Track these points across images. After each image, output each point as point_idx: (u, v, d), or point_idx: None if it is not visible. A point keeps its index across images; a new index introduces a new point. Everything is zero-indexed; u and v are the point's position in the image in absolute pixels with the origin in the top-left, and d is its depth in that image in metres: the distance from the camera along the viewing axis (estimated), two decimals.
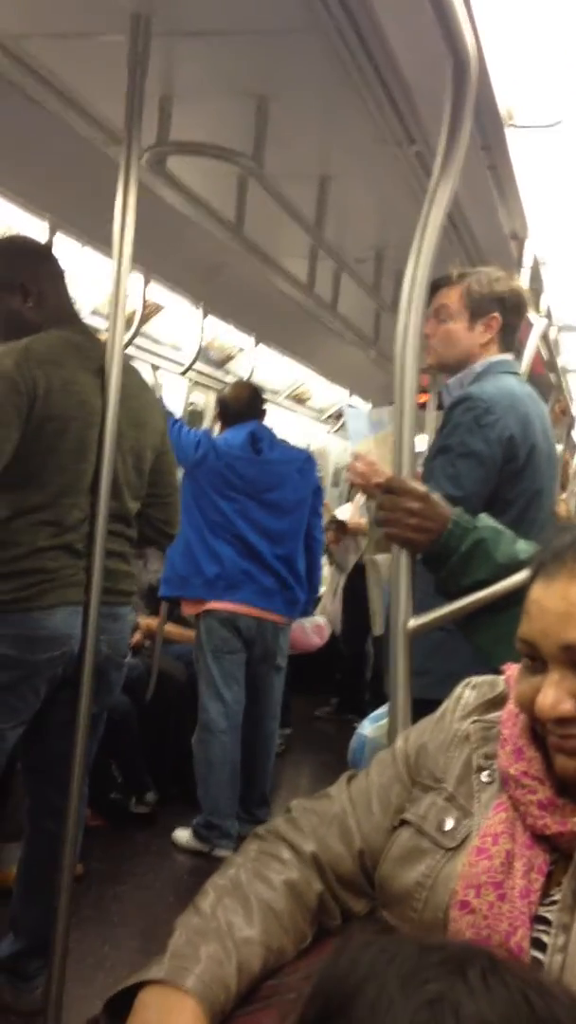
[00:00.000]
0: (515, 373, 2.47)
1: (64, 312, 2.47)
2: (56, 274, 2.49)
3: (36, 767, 2.48)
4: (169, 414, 3.97)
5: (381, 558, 2.37)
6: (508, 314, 2.44)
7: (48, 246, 2.63)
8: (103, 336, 2.46)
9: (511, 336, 2.49)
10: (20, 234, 3.02)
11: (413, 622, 1.66)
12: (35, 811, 2.52)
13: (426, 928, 1.04)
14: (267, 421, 4.22)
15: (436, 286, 2.43)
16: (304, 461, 4.18)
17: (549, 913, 0.99)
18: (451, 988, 0.66)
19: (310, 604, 4.47)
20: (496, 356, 2.45)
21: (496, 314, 2.42)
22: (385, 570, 2.35)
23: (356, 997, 0.67)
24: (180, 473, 3.69)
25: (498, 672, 1.20)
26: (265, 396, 4.56)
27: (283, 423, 6.51)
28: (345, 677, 6.32)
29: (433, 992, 0.66)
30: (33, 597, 2.27)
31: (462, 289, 2.44)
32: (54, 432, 2.28)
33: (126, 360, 2.48)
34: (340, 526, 6.04)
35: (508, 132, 2.77)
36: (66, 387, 2.29)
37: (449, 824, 1.08)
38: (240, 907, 1.06)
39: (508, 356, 2.47)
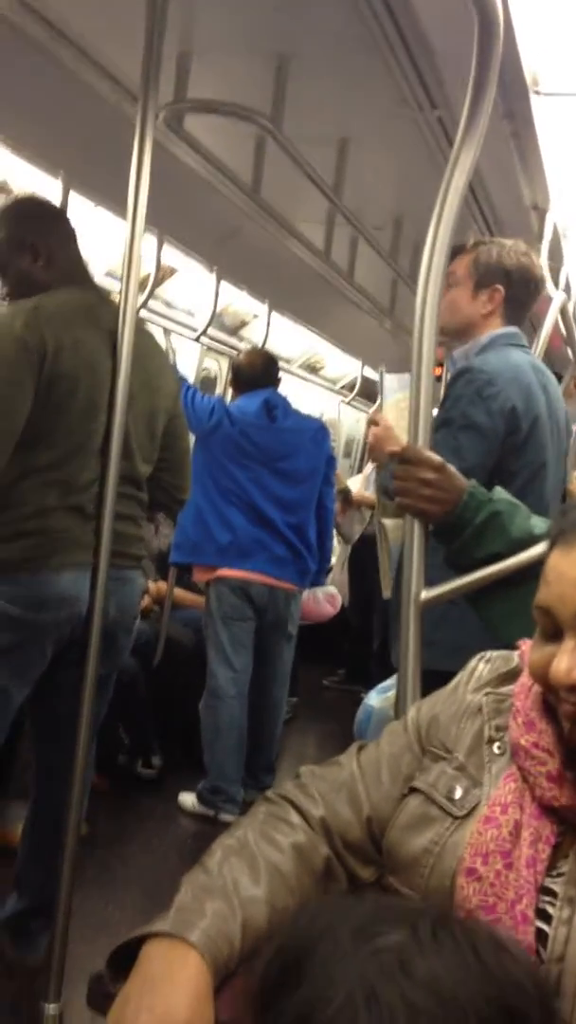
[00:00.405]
0: (521, 346, 2.44)
1: (75, 272, 2.45)
2: (67, 234, 2.47)
3: (42, 728, 2.49)
4: (182, 380, 3.95)
5: (389, 523, 2.36)
6: (514, 287, 2.41)
7: (59, 206, 2.61)
8: (115, 298, 2.44)
9: (519, 311, 2.46)
10: (31, 194, 2.99)
11: (425, 594, 1.65)
12: (41, 772, 2.53)
13: (432, 895, 1.04)
14: (280, 390, 4.19)
15: (453, 254, 2.40)
16: (318, 430, 4.17)
17: (555, 885, 1.00)
18: (401, 941, 0.68)
19: (321, 573, 4.47)
20: (501, 329, 2.42)
21: (499, 286, 2.40)
22: (393, 534, 2.34)
23: (311, 952, 0.69)
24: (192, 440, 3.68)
25: (511, 647, 1.20)
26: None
27: (296, 392, 6.48)
28: (352, 648, 6.33)
29: (383, 944, 0.68)
30: (40, 558, 2.27)
31: (471, 257, 2.41)
32: (63, 392, 2.26)
33: (140, 323, 2.46)
34: (346, 497, 6.02)
35: (533, 99, 2.72)
36: (75, 346, 2.28)
37: (458, 793, 1.09)
38: (247, 867, 1.07)
39: (513, 329, 2.44)
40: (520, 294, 2.43)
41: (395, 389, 2.41)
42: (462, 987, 0.67)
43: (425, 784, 1.12)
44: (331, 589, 4.97)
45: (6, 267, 2.44)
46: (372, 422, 2.39)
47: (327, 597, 4.85)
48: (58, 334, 2.26)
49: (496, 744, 1.10)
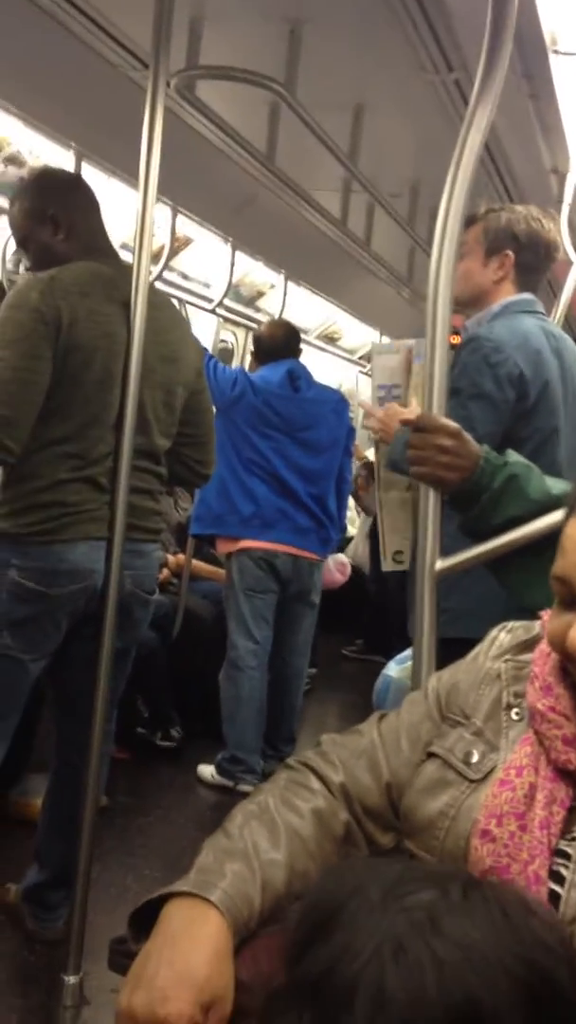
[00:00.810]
0: (535, 312, 2.41)
1: (96, 244, 2.42)
2: (88, 205, 2.45)
3: (61, 701, 2.50)
4: (203, 351, 3.93)
5: (394, 496, 2.35)
6: (524, 252, 2.37)
7: (80, 178, 2.59)
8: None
9: (532, 276, 2.42)
10: (50, 166, 2.97)
11: (440, 563, 1.63)
12: (61, 744, 2.55)
13: (448, 857, 1.05)
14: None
15: (465, 223, 2.37)
16: (338, 401, 4.17)
17: (569, 847, 1.00)
18: (432, 900, 0.69)
19: (338, 543, 4.47)
20: (513, 296, 2.39)
21: (508, 251, 2.36)
22: (402, 510, 2.34)
23: (341, 910, 0.70)
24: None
25: (532, 615, 1.19)
26: None
27: (313, 363, 6.44)
28: (371, 618, 6.33)
29: (413, 902, 0.68)
30: (54, 530, 2.26)
31: (482, 226, 2.38)
32: (79, 363, 2.25)
33: (161, 295, 2.44)
34: (370, 471, 5.98)
35: (552, 59, 2.67)
36: (91, 317, 2.26)
37: (475, 757, 1.10)
38: (267, 831, 1.08)
39: (527, 295, 2.40)
40: (531, 259, 2.39)
41: (390, 363, 2.39)
42: (490, 944, 0.67)
43: (442, 749, 1.13)
44: (341, 557, 4.97)
45: (27, 240, 2.41)
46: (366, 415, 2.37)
47: (337, 565, 4.85)
48: (73, 305, 2.24)
49: (514, 710, 1.11)
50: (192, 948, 0.94)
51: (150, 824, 3.49)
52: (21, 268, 3.27)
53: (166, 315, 2.47)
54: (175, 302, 4.95)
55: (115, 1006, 0.92)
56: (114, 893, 2.88)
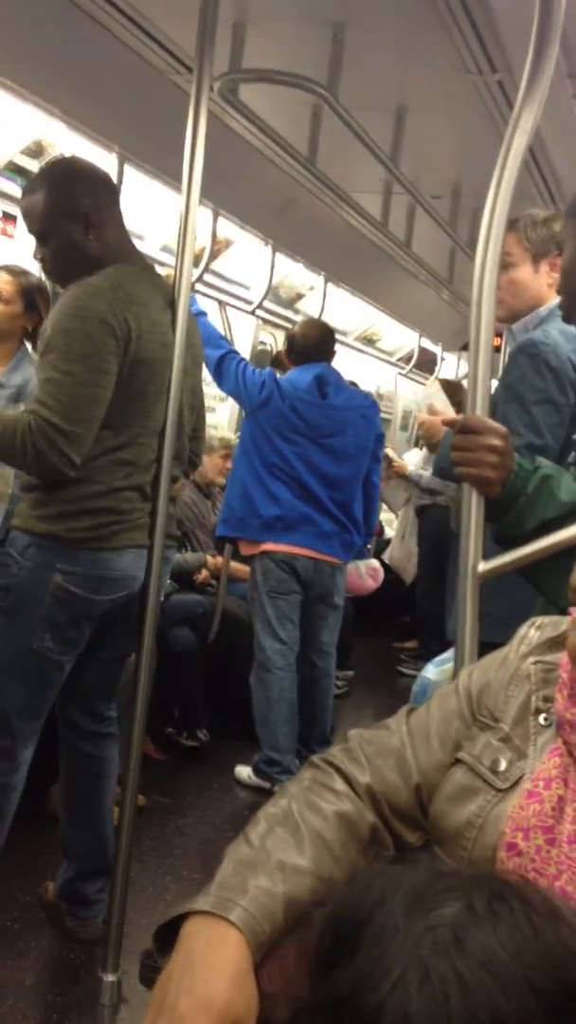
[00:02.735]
0: None
1: (124, 245, 2.36)
2: (115, 202, 2.37)
3: (68, 693, 2.48)
4: (234, 352, 3.93)
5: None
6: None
7: (105, 171, 2.49)
8: (170, 272, 2.42)
9: None
10: (77, 156, 2.91)
11: (483, 566, 1.62)
12: (68, 734, 2.54)
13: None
14: (335, 362, 4.15)
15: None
16: (369, 407, 4.12)
17: None
18: (456, 914, 0.67)
19: (365, 547, 4.45)
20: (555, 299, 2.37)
21: (556, 252, 2.35)
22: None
23: (366, 923, 0.69)
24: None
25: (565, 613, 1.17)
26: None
27: (352, 365, 6.43)
28: (421, 623, 6.23)
29: (437, 919, 0.67)
30: (106, 537, 2.26)
31: (519, 235, 2.37)
32: (142, 376, 2.23)
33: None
34: (388, 464, 5.87)
35: None
36: (154, 329, 2.24)
37: (503, 765, 1.07)
38: (291, 837, 1.06)
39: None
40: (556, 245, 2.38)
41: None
42: (518, 962, 0.66)
43: (470, 756, 1.11)
44: (374, 563, 4.93)
45: (49, 233, 2.26)
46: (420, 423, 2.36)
47: (369, 571, 4.81)
48: (139, 317, 2.21)
49: (543, 715, 1.08)
50: (211, 973, 0.92)
51: (188, 824, 3.50)
52: None
53: (190, 316, 2.44)
54: (214, 304, 4.98)
55: None
56: (152, 893, 2.90)
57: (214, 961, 0.93)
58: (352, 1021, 0.65)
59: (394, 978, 0.65)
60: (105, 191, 2.34)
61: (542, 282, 2.36)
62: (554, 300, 2.36)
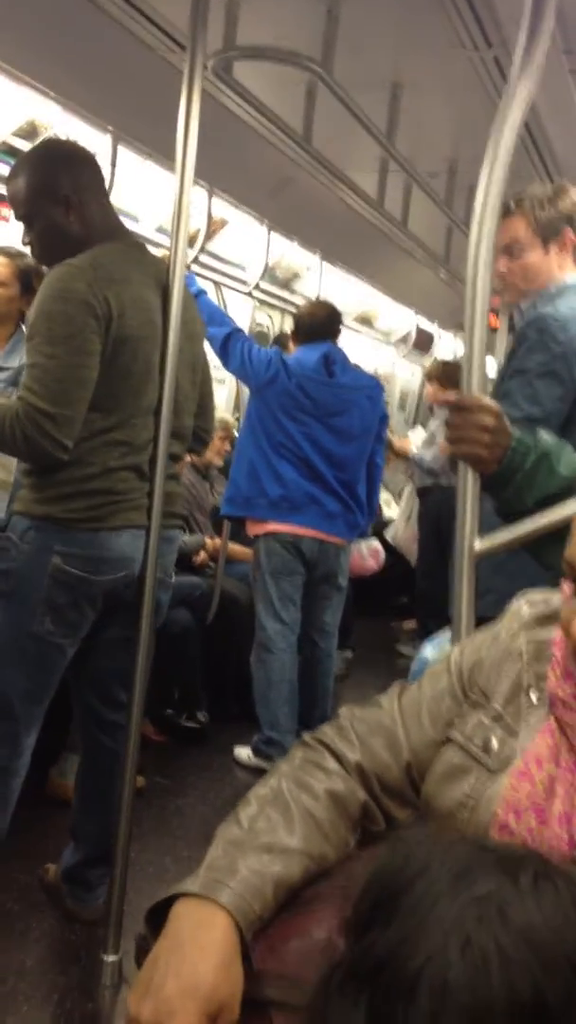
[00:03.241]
0: None
1: (110, 224, 2.34)
2: (98, 181, 2.35)
3: (84, 682, 2.50)
4: (239, 331, 3.91)
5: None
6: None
7: (88, 151, 2.47)
8: (165, 253, 2.41)
9: None
10: (57, 137, 2.86)
11: (479, 544, 1.62)
12: (86, 724, 2.55)
13: None
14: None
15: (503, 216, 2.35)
16: (374, 387, 4.11)
17: None
18: (500, 888, 0.67)
19: (367, 528, 4.44)
20: (571, 275, 2.35)
21: (566, 229, 2.33)
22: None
23: (407, 890, 0.68)
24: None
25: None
26: None
27: (349, 345, 6.42)
28: (420, 602, 6.24)
29: (482, 890, 0.67)
30: (102, 517, 2.26)
31: (527, 217, 2.34)
32: (128, 354, 2.22)
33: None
34: (389, 447, 5.85)
35: None
36: (136, 305, 2.23)
37: (494, 744, 1.08)
38: (281, 817, 1.07)
39: None
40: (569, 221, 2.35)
41: None
42: (560, 940, 0.66)
43: (461, 735, 1.11)
44: (375, 544, 4.92)
45: (33, 217, 2.27)
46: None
47: (371, 552, 4.81)
48: (120, 294, 2.20)
49: (535, 694, 1.08)
50: (198, 957, 0.93)
51: (188, 805, 3.51)
52: None
53: (186, 293, 2.42)
54: (210, 285, 4.96)
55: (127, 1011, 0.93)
56: (152, 873, 2.91)
57: (202, 945, 0.94)
58: (389, 986, 0.65)
59: (435, 945, 0.65)
60: (87, 171, 2.32)
61: (552, 264, 2.33)
62: (564, 279, 2.34)
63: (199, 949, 0.94)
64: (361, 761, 1.15)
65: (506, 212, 2.31)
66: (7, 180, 2.36)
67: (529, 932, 0.65)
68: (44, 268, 2.98)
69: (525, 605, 1.17)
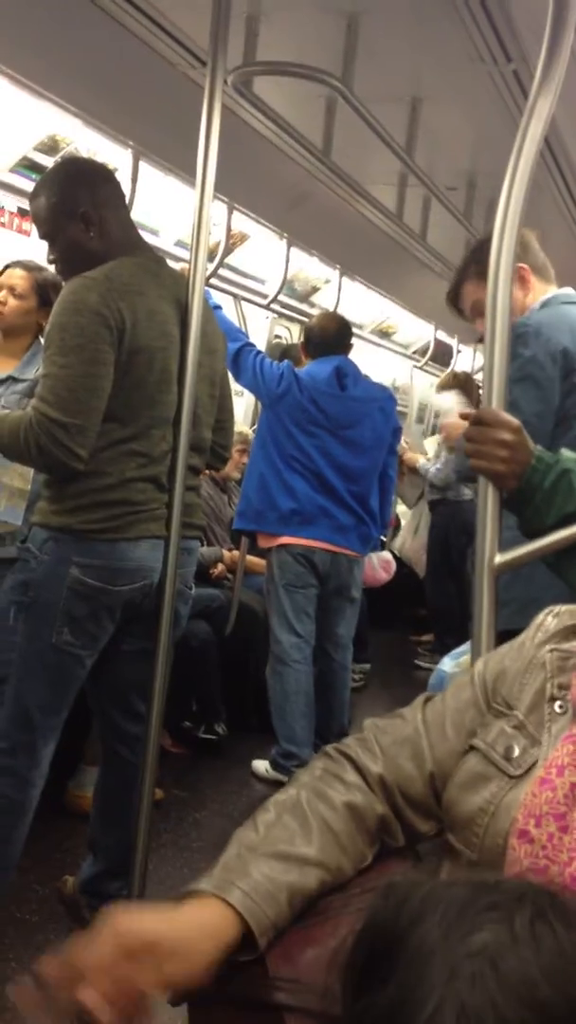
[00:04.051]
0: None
1: (129, 239, 2.37)
2: (117, 197, 2.39)
3: (104, 693, 2.50)
4: (251, 345, 3.92)
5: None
6: (529, 255, 2.36)
7: (107, 167, 2.50)
8: (185, 267, 2.42)
9: (545, 270, 2.41)
10: (77, 155, 2.90)
11: (499, 558, 1.62)
12: (106, 736, 2.56)
13: (486, 854, 1.03)
14: (352, 355, 4.14)
15: (457, 287, 2.42)
16: (387, 399, 4.11)
17: None
18: (496, 937, 0.64)
19: (379, 540, 4.43)
20: (551, 292, 2.38)
21: (519, 265, 2.33)
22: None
23: (401, 943, 0.67)
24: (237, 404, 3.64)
25: None
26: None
27: (368, 358, 6.43)
28: (436, 616, 6.23)
29: (476, 943, 0.64)
30: (120, 528, 2.27)
31: (478, 283, 2.34)
32: (142, 365, 2.24)
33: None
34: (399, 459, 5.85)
35: None
36: (151, 317, 2.25)
37: (516, 751, 1.07)
38: (298, 826, 1.07)
39: (565, 290, 2.39)
40: (533, 259, 2.38)
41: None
42: (560, 992, 0.63)
43: (483, 743, 1.10)
44: (386, 555, 4.91)
45: (55, 234, 2.32)
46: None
47: (382, 563, 4.80)
48: (134, 306, 2.22)
49: (558, 703, 1.08)
50: (162, 919, 0.94)
51: (206, 818, 3.51)
52: None
53: (206, 308, 2.45)
54: (229, 299, 4.97)
55: None
56: (170, 886, 2.90)
57: (180, 915, 0.95)
58: None
59: (430, 1010, 0.63)
60: (106, 187, 2.35)
61: (518, 301, 2.32)
62: (535, 306, 2.36)
63: (171, 917, 0.94)
64: (384, 773, 1.14)
65: (467, 276, 2.39)
66: (30, 200, 2.40)
67: (527, 990, 0.63)
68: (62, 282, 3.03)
69: (551, 617, 1.17)
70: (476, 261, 2.33)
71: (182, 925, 0.94)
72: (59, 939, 2.56)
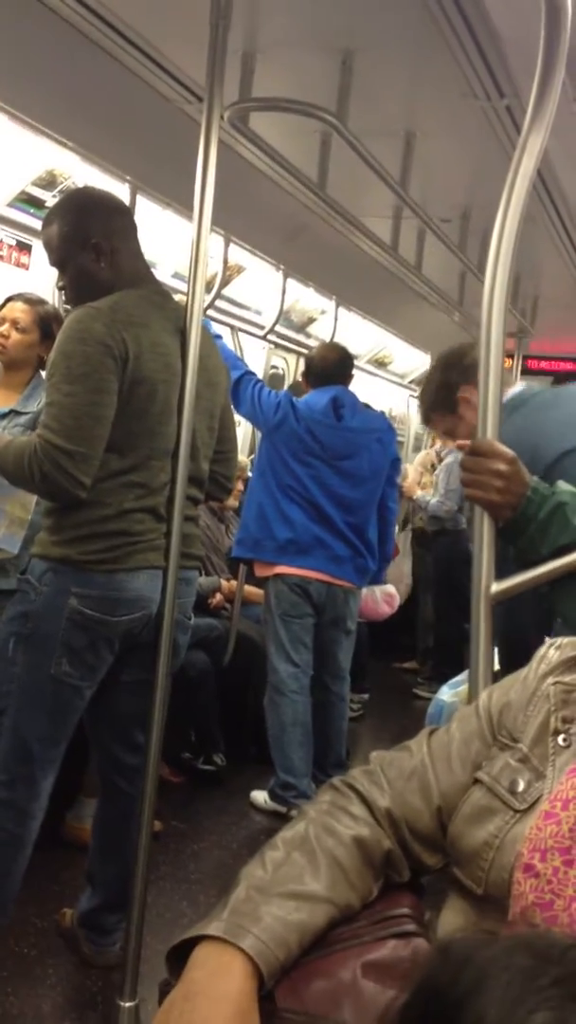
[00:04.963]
0: (523, 400, 2.35)
1: (138, 271, 2.40)
2: (129, 229, 2.41)
3: (102, 725, 2.50)
4: (251, 374, 3.95)
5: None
6: (468, 376, 2.40)
7: (119, 199, 2.52)
8: (182, 298, 2.45)
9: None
10: (90, 186, 2.92)
11: (495, 587, 1.63)
12: (105, 768, 2.55)
13: (492, 888, 1.03)
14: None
15: (427, 413, 2.61)
16: (385, 430, 4.11)
17: None
18: (557, 1020, 0.62)
19: (380, 573, 4.42)
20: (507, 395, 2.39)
21: (462, 395, 2.45)
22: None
23: (459, 1010, 0.65)
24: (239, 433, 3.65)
25: None
26: None
27: (363, 387, 6.47)
28: (434, 645, 6.23)
29: (539, 1022, 0.62)
30: (119, 559, 2.28)
31: (436, 413, 2.55)
32: (144, 396, 2.26)
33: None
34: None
35: None
36: (154, 349, 2.27)
37: (521, 785, 1.07)
38: (307, 862, 1.06)
39: (514, 389, 2.37)
40: (462, 376, 2.44)
41: None
42: None
43: (488, 776, 1.10)
44: (389, 588, 4.90)
45: (65, 263, 2.34)
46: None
47: (385, 596, 4.78)
48: (138, 337, 2.24)
49: (562, 736, 1.08)
50: (212, 1009, 0.92)
51: (204, 849, 3.48)
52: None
53: (206, 340, 2.47)
54: (227, 330, 5.01)
55: None
56: (169, 919, 2.88)
57: (217, 995, 0.93)
58: None
59: None
60: (117, 218, 2.38)
61: (470, 415, 2.37)
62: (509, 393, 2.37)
63: (214, 1000, 0.92)
64: (391, 807, 1.14)
65: (429, 411, 2.58)
66: (42, 227, 2.43)
67: None
68: (63, 313, 3.05)
69: (553, 649, 1.17)
70: (443, 386, 2.50)
71: (232, 1015, 0.92)
72: (57, 973, 2.54)
